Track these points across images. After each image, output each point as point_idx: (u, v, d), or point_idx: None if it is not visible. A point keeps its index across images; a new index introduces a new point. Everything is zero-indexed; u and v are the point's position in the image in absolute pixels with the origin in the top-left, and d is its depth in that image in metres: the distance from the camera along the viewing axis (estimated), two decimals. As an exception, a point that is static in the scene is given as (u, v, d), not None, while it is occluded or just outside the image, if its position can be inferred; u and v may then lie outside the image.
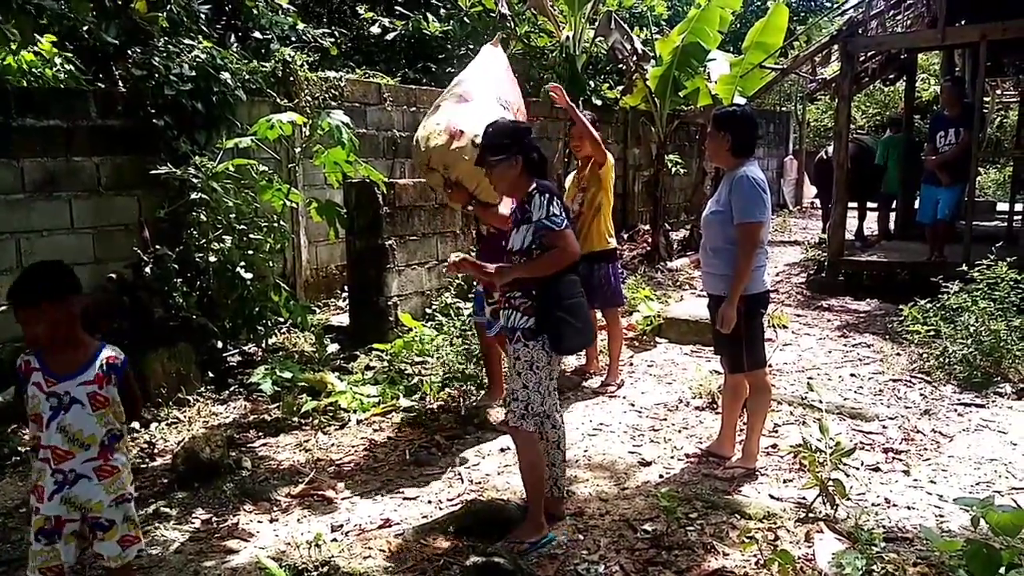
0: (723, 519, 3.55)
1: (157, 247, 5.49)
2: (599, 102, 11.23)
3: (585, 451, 4.46)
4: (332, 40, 9.35)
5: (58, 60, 5.99)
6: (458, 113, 4.24)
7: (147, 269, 5.36)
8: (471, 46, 11.01)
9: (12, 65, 5.64)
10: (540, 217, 3.17)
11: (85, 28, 6.07)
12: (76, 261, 5.48)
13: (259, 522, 3.67)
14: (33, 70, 5.84)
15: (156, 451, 4.45)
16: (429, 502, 3.86)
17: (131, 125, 5.80)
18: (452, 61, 10.85)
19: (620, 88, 11.60)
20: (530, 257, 3.24)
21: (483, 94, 4.38)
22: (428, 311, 6.85)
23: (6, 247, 5.26)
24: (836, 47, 9.40)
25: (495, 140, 3.33)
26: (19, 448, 4.38)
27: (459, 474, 4.17)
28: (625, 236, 11.58)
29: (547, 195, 3.21)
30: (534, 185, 3.27)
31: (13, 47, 5.11)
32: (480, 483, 4.05)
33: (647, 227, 11.61)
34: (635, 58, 10.33)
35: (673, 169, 11.65)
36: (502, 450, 4.48)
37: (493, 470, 4.21)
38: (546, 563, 3.21)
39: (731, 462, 4.19)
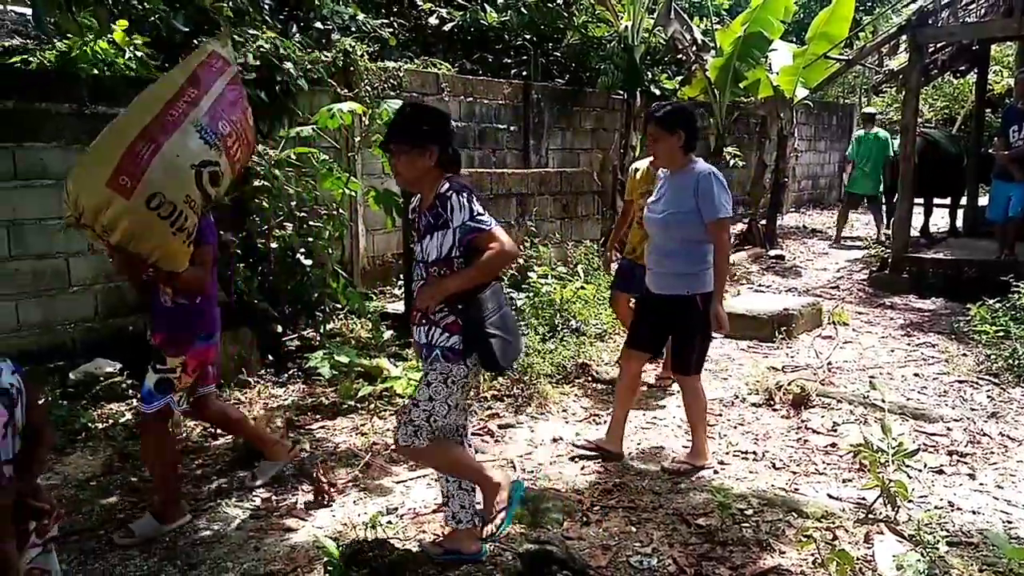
0: (779, 517, 3.50)
1: (221, 232, 5.62)
2: (657, 92, 11.09)
3: (638, 444, 4.44)
4: (391, 31, 9.44)
5: (129, 49, 6.17)
6: (136, 150, 2.95)
7: (212, 253, 5.50)
8: (528, 36, 11.01)
9: (87, 54, 5.83)
10: (464, 220, 2.79)
11: (155, 17, 6.25)
12: (144, 245, 5.66)
13: (316, 502, 3.75)
14: (105, 59, 6.03)
15: (218, 431, 4.57)
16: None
17: (198, 113, 5.94)
18: (509, 51, 10.86)
19: (678, 79, 11.45)
20: (451, 266, 2.85)
21: (183, 121, 3.10)
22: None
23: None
24: (904, 37, 9.11)
25: (412, 123, 2.88)
26: (88, 424, 4.54)
27: (511, 462, 4.19)
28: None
29: (465, 194, 2.82)
30: (447, 185, 2.84)
31: (91, 36, 5.28)
32: (533, 472, 4.07)
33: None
34: (695, 48, 10.19)
35: (731, 161, 11.45)
36: (555, 440, 4.49)
37: (546, 459, 4.22)
38: (599, 553, 3.21)
39: (680, 457, 4.15)
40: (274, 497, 3.79)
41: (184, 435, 4.48)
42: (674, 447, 4.38)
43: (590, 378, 5.49)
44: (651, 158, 4.86)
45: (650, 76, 11.33)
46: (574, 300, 6.49)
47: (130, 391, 5.03)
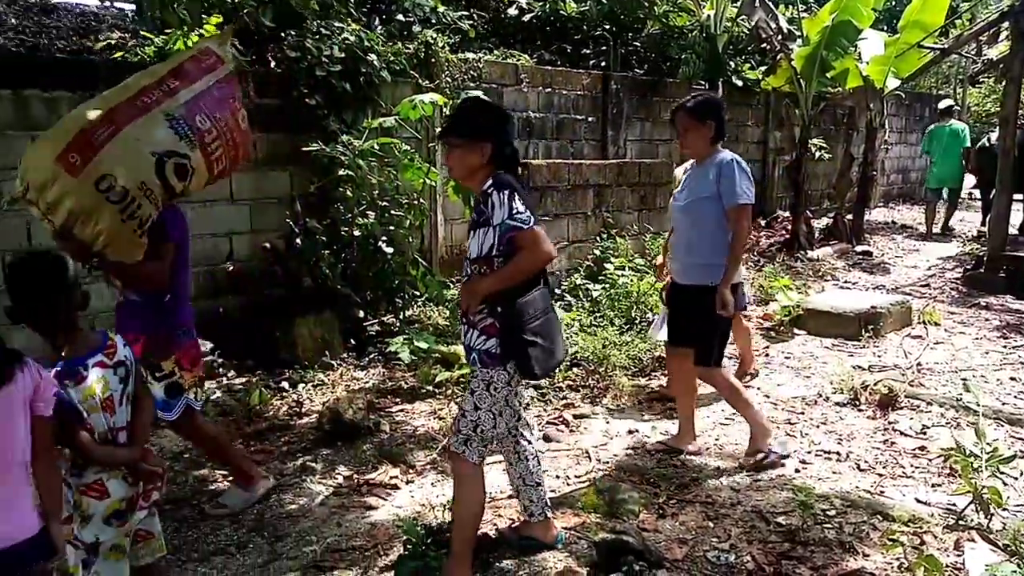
0: (863, 519, 3.41)
1: (307, 220, 5.81)
2: (739, 83, 10.86)
3: (716, 440, 4.38)
4: (471, 23, 9.51)
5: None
6: (93, 130, 2.86)
7: (297, 240, 5.69)
8: (607, 26, 10.92)
9: (181, 47, 6.08)
10: (503, 218, 2.68)
11: (243, 12, 6.46)
12: (234, 230, 5.89)
13: (396, 482, 3.85)
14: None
15: (303, 410, 4.73)
16: (557, 477, 3.91)
17: (285, 104, 6.14)
18: (588, 42, 10.79)
19: (762, 69, 11.17)
20: (491, 265, 2.77)
21: (153, 108, 3.00)
22: (557, 291, 6.90)
23: (175, 216, 5.70)
24: (1006, 24, 8.65)
25: (469, 116, 2.86)
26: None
27: (587, 452, 4.20)
28: (763, 223, 11.19)
29: (507, 191, 2.70)
30: (490, 181, 2.75)
31: (184, 30, 5.50)
32: (607, 463, 4.07)
33: (786, 214, 11.16)
34: (780, 37, 9.93)
35: (817, 154, 11.12)
36: (630, 432, 4.48)
37: (621, 451, 4.21)
38: (674, 547, 3.19)
39: (752, 450, 4.04)
40: (356, 475, 3.90)
41: (272, 412, 4.66)
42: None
43: (665, 371, 5.44)
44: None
45: (732, 66, 11.10)
46: (651, 292, 6.43)
47: (220, 369, 5.25)
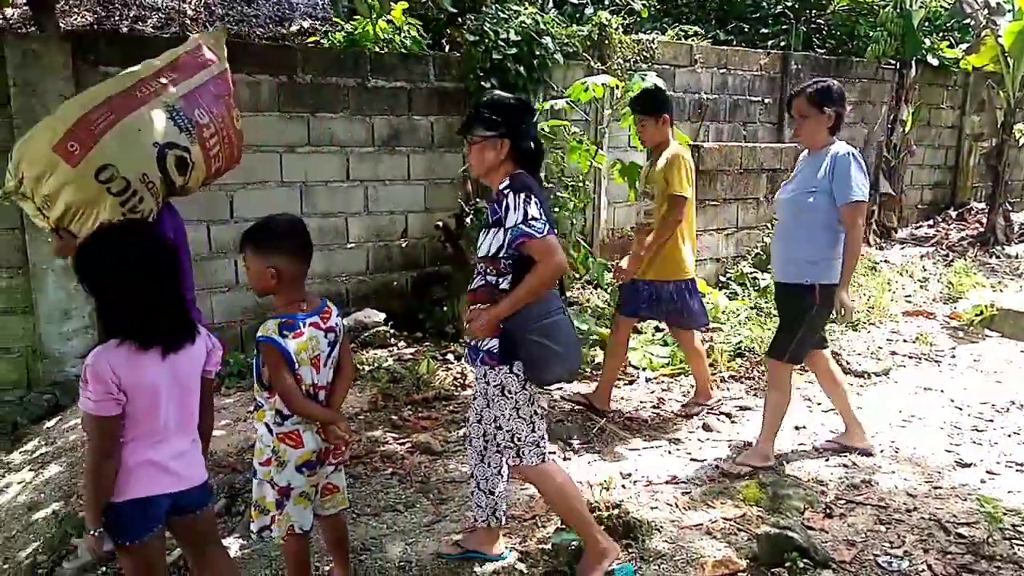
0: (1062, 540, 3.10)
1: (477, 200, 6.00)
2: (934, 62, 9.99)
3: (892, 442, 4.12)
4: (643, 3, 9.37)
5: (404, 28, 6.72)
6: (93, 117, 2.74)
7: (467, 220, 5.89)
8: (788, 3, 10.39)
9: (369, 32, 6.44)
10: (516, 222, 2.55)
11: (426, -2, 6.76)
12: (410, 209, 6.20)
13: (554, 458, 3.92)
14: (384, 36, 6.63)
15: (467, 382, 4.92)
16: (716, 467, 3.84)
17: (461, 87, 6.35)
18: (767, 20, 10.33)
19: (962, 47, 10.20)
20: (497, 266, 2.65)
21: (152, 99, 2.88)
22: (722, 278, 6.72)
23: (356, 193, 6.09)
24: None
25: (483, 112, 2.73)
26: (357, 367, 5.09)
27: (749, 444, 4.08)
28: (953, 214, 10.29)
29: (523, 193, 2.58)
30: (507, 181, 2.64)
31: (374, 16, 5.82)
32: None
33: (981, 205, 10.20)
34: (986, 11, 9.02)
35: (1021, 140, 10.03)
36: (796, 428, 4.31)
37: (787, 446, 4.06)
38: (842, 548, 3.06)
39: (740, 457, 3.84)
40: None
41: (438, 382, 4.88)
42: (933, 450, 4.01)
43: (840, 368, 5.17)
44: (660, 159, 4.24)
45: (928, 44, 10.22)
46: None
47: (392, 339, 5.57)
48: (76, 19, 8.99)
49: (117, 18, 9.42)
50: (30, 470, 4.08)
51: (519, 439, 2.74)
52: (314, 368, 2.45)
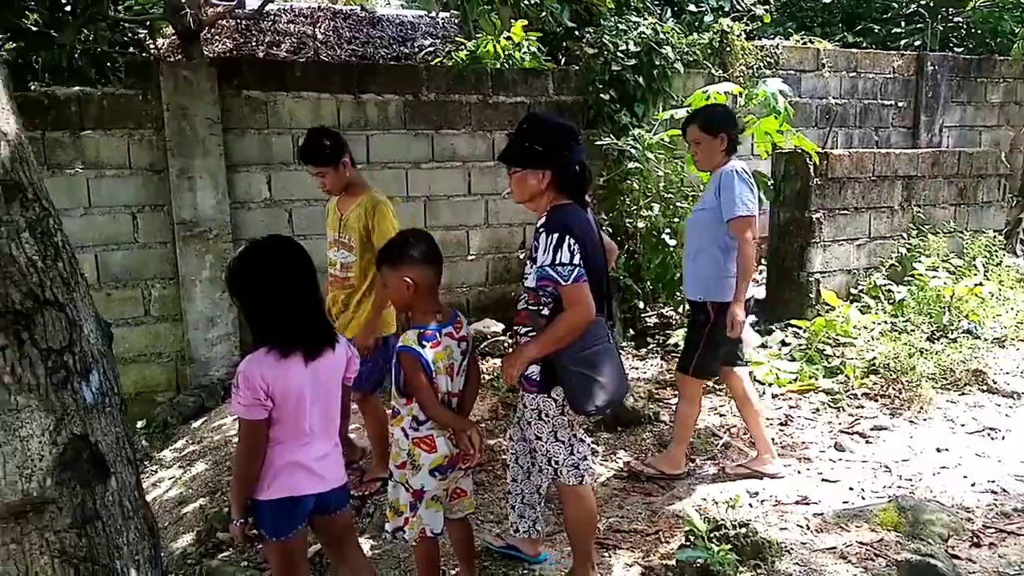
0: None
1: (594, 211, 5.99)
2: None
3: (1048, 468, 3.81)
4: (765, 8, 9.13)
5: (524, 44, 6.83)
6: None
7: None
8: (923, 2, 9.86)
9: (490, 50, 6.59)
10: (543, 263, 2.51)
11: (545, 13, 6.83)
12: (527, 221, 6.26)
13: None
14: (504, 53, 6.76)
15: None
16: (850, 488, 3.67)
17: (580, 100, 6.38)
18: (899, 20, 9.84)
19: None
20: (536, 300, 2.61)
21: None
22: (853, 291, 6.41)
23: (476, 207, 6.22)
24: None
25: (525, 140, 2.61)
26: (479, 375, 5.19)
27: (886, 466, 3.88)
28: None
29: (556, 234, 2.50)
30: (544, 219, 2.57)
31: (495, 34, 5.95)
32: (911, 480, 3.73)
33: None
34: None
35: None
36: (938, 450, 4.05)
37: (927, 469, 3.83)
38: (993, 581, 2.85)
39: (651, 459, 3.91)
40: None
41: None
42: (1098, 479, 3.68)
43: (984, 387, 4.84)
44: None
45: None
46: (968, 298, 5.74)
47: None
48: (217, 46, 9.67)
49: (254, 43, 10.06)
50: (179, 467, 4.40)
51: (556, 461, 2.76)
52: (449, 377, 2.54)
